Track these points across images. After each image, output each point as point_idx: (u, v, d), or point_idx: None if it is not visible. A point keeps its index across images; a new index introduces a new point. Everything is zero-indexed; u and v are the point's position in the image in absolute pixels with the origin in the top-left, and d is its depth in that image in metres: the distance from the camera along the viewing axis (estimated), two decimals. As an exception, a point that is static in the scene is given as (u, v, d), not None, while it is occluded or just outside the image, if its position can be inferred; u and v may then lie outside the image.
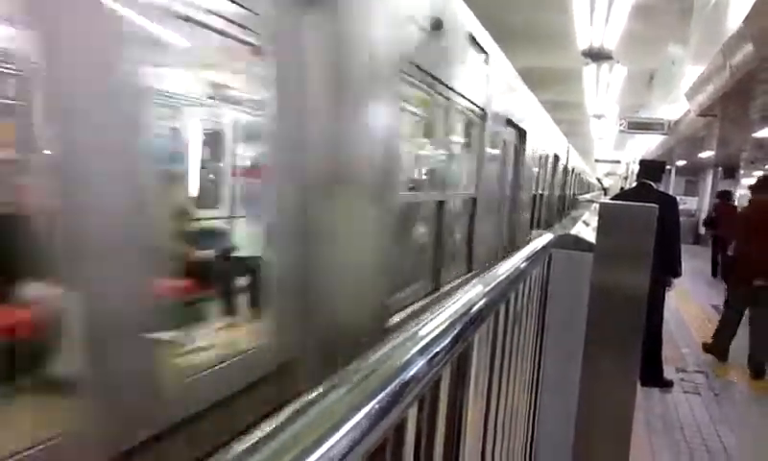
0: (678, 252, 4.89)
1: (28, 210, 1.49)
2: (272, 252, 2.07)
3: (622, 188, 28.74)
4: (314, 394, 0.55)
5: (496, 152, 5.10)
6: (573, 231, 2.29)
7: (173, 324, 1.81)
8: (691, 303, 7.04)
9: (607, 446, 2.13)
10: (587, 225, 2.72)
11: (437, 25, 3.14)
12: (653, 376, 4.96)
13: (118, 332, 1.42)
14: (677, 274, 4.92)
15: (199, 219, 4.17)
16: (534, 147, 7.18)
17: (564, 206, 13.14)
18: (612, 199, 6.24)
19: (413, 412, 0.76)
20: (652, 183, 5.06)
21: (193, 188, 4.43)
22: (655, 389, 4.98)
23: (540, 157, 8.21)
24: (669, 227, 4.62)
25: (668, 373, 5.29)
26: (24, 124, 1.84)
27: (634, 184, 5.59)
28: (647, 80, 16.43)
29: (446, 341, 0.82)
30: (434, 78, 3.35)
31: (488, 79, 4.47)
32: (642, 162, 5.43)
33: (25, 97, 1.86)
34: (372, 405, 0.57)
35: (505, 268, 1.34)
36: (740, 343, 5.95)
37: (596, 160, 35.80)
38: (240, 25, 1.90)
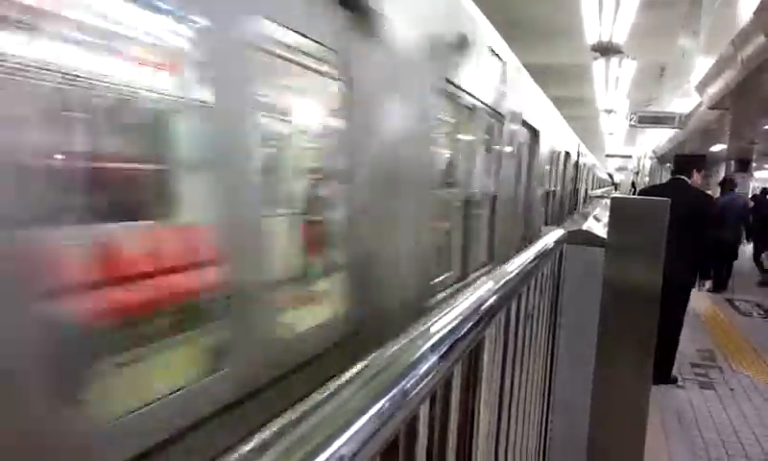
0: (710, 252, 4.79)
1: None
2: None
3: (633, 183, 28.50)
4: (327, 390, 0.55)
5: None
6: (585, 227, 2.27)
7: None
8: (705, 296, 7.00)
9: (621, 442, 2.11)
10: (598, 220, 2.70)
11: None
12: (663, 374, 4.90)
13: None
14: (709, 277, 4.86)
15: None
16: (565, 156, 9.59)
17: (582, 199, 14.32)
18: (640, 194, 6.20)
19: (425, 409, 0.75)
20: (686, 179, 4.84)
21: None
22: (669, 384, 4.94)
23: (567, 162, 10.32)
24: (701, 225, 4.53)
25: (683, 368, 5.24)
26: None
27: (650, 181, 5.55)
28: (657, 73, 16.29)
29: (458, 337, 0.82)
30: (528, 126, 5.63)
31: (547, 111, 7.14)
32: (677, 156, 5.31)
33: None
34: (384, 402, 0.57)
35: (516, 264, 1.33)
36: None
37: (607, 156, 35.55)
38: None
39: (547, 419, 2.13)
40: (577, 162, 12.19)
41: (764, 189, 10.94)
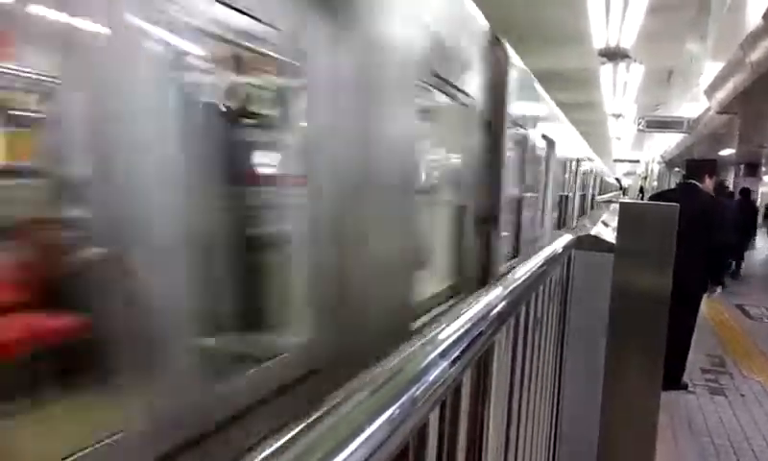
0: (722, 258, 4.74)
1: None
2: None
3: (641, 188, 28.34)
4: (336, 398, 0.55)
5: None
6: (593, 232, 2.26)
7: None
8: (714, 301, 6.96)
9: (632, 448, 2.10)
10: (606, 225, 2.69)
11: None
12: (673, 380, 4.84)
13: None
14: (720, 282, 4.81)
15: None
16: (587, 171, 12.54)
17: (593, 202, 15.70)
18: (650, 199, 6.22)
19: (434, 416, 0.75)
20: (697, 183, 4.77)
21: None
22: (679, 390, 4.90)
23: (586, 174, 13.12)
24: (713, 232, 4.50)
25: (693, 374, 5.20)
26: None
27: (658, 185, 5.54)
28: (665, 77, 16.24)
29: (467, 344, 0.82)
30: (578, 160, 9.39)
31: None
32: (688, 161, 5.27)
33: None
34: (394, 409, 0.57)
35: (524, 271, 1.32)
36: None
37: (615, 160, 35.44)
38: None
39: (557, 424, 2.12)
40: (595, 174, 15.26)
41: (746, 189, 10.95)
